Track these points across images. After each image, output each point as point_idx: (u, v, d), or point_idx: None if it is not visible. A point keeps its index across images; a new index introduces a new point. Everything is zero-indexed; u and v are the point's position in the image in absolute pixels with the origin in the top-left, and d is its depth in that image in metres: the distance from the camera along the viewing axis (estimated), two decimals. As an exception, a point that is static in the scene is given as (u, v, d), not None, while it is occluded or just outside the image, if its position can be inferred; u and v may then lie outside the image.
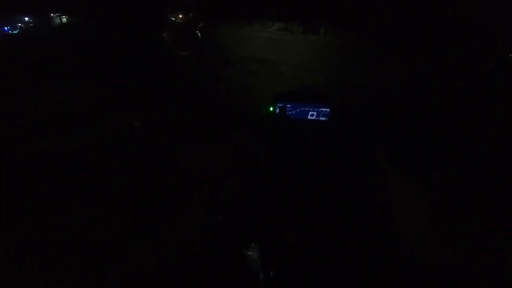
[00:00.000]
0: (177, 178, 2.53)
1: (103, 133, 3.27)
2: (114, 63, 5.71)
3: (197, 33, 4.22)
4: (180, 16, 4.01)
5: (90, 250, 1.81)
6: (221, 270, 1.39)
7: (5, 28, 6.93)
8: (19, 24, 7.25)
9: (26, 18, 7.33)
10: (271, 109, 1.67)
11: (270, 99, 1.87)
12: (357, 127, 2.11)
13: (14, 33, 7.03)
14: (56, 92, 4.37)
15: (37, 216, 2.08)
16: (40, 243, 1.87)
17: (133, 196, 2.31)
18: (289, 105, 1.63)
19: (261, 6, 11.66)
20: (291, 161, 1.61)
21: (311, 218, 1.43)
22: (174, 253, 1.52)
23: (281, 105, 1.63)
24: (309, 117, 1.77)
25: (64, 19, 7.80)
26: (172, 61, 5.08)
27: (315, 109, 1.67)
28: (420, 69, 6.27)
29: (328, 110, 1.61)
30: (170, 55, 4.06)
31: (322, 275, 1.32)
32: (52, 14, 7.68)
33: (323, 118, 1.63)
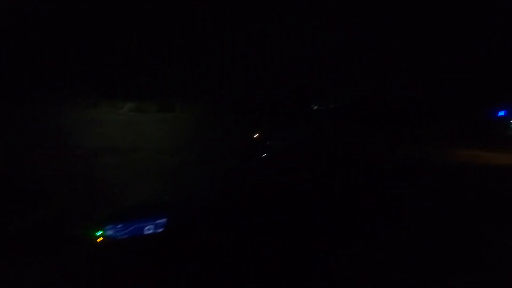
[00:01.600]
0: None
1: None
2: None
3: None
4: None
5: None
6: None
7: None
8: None
9: None
10: (100, 232, 1.52)
11: (109, 214, 1.72)
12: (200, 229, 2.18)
13: None
14: None
15: None
16: None
17: None
18: (121, 225, 1.54)
19: (110, 84, 10.82)
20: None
21: None
22: None
23: (110, 227, 1.52)
24: (145, 232, 1.71)
25: None
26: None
27: (151, 223, 1.64)
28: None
29: (165, 220, 1.61)
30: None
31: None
32: None
33: (161, 230, 1.60)
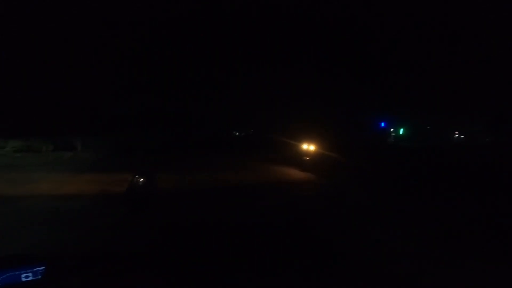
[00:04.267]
0: None
1: None
2: None
3: None
4: None
5: None
6: None
7: None
8: None
9: None
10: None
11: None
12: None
13: None
14: None
15: None
16: None
17: None
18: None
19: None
20: None
21: None
22: None
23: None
24: (23, 279, 1.81)
25: None
26: None
27: (29, 270, 1.77)
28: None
29: (43, 268, 1.79)
30: None
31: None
32: None
33: (38, 277, 1.79)
